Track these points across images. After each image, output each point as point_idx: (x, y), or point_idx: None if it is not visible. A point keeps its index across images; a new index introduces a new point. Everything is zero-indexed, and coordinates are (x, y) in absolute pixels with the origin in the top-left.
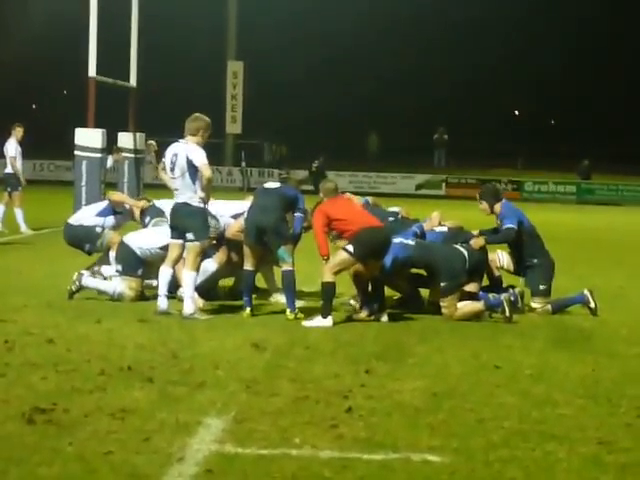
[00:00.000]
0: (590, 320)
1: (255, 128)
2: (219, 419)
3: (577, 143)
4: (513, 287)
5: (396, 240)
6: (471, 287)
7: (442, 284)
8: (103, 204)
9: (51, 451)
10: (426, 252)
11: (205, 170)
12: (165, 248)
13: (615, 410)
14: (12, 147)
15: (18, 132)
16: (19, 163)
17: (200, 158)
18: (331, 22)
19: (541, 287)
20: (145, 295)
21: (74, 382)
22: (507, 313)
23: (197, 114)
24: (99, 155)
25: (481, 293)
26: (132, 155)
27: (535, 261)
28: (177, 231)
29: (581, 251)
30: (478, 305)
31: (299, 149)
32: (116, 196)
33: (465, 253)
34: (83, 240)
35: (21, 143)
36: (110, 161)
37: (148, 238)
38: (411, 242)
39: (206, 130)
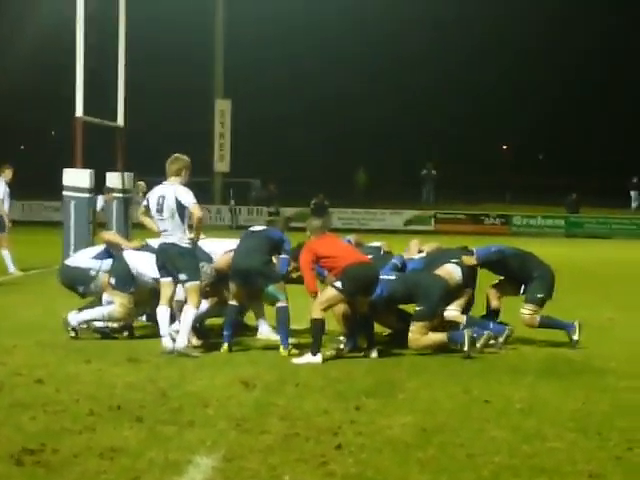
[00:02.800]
0: (580, 353)
1: (243, 166)
2: (209, 457)
3: (565, 177)
4: (506, 325)
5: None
6: (456, 313)
7: (417, 308)
8: (100, 247)
9: None
10: (407, 284)
11: (196, 210)
12: (157, 280)
13: (605, 443)
14: (0, 188)
15: (7, 174)
16: (6, 205)
17: (189, 199)
18: (319, 60)
19: (538, 295)
20: (132, 331)
21: (63, 422)
22: (465, 348)
23: (176, 155)
24: (87, 195)
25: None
26: (120, 195)
27: (534, 274)
28: (165, 270)
29: (570, 284)
30: (440, 336)
31: (288, 186)
32: (109, 236)
33: (454, 271)
34: (77, 282)
35: (10, 184)
36: (100, 201)
37: (146, 264)
38: (392, 277)
39: (187, 169)
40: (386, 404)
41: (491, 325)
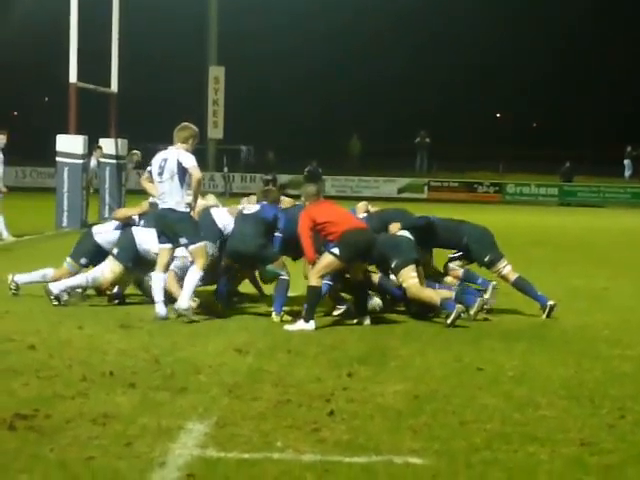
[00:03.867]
0: (572, 321)
1: (238, 133)
2: (201, 424)
3: (559, 145)
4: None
5: None
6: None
7: (393, 264)
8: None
9: (32, 457)
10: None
11: (195, 172)
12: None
13: (597, 411)
14: None
15: (1, 139)
16: (0, 170)
17: (191, 161)
18: (315, 26)
19: (485, 259)
20: (121, 297)
21: (56, 388)
22: (449, 320)
23: (185, 123)
24: (81, 161)
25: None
26: (114, 161)
27: (465, 240)
28: (165, 236)
29: (564, 253)
30: (435, 298)
31: (283, 153)
32: (120, 213)
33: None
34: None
35: (3, 150)
36: (93, 160)
37: (150, 239)
38: None
39: (195, 138)
40: (378, 371)
41: (480, 280)
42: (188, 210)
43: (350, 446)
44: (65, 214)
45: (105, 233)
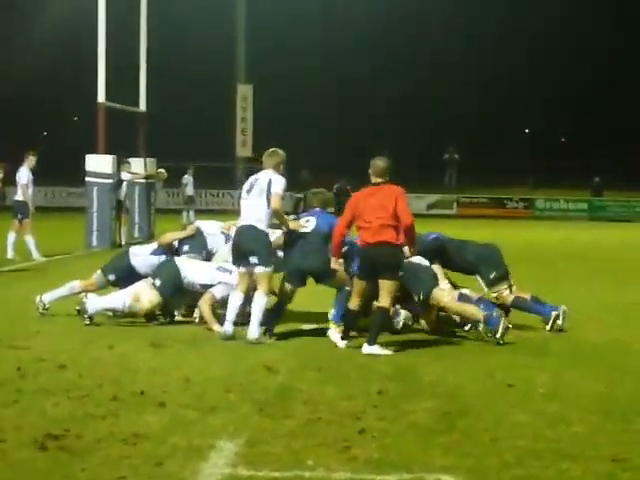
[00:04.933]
0: (603, 336)
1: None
2: (231, 442)
3: (588, 160)
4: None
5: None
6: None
7: (418, 297)
8: (153, 246)
9: (63, 477)
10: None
11: (276, 200)
12: (205, 287)
13: (629, 427)
14: (24, 175)
15: (31, 160)
16: (30, 191)
17: (278, 187)
18: (343, 42)
19: (491, 276)
20: (155, 317)
21: (87, 408)
22: (499, 335)
23: (274, 149)
24: (110, 181)
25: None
26: (143, 180)
27: (470, 258)
28: (240, 256)
29: (594, 268)
30: (477, 314)
31: (314, 171)
32: (165, 239)
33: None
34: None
35: (33, 171)
36: (126, 176)
37: (196, 271)
38: None
39: (284, 163)
40: (409, 389)
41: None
42: (267, 231)
43: (381, 464)
44: (95, 234)
45: (142, 257)
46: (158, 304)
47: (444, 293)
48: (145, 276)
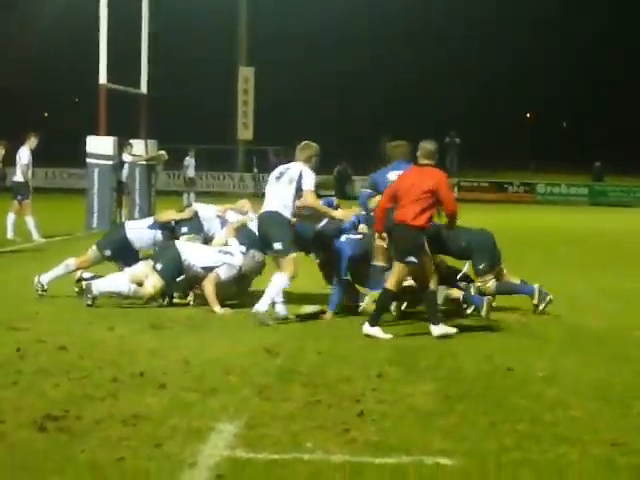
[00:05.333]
0: (603, 322)
1: (268, 134)
2: (231, 424)
3: (589, 145)
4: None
5: (343, 239)
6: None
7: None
8: (149, 221)
9: (63, 458)
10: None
11: (310, 196)
12: (207, 269)
13: (628, 412)
14: (25, 155)
15: (32, 141)
16: (30, 172)
17: (310, 183)
18: (345, 28)
19: (480, 267)
20: (154, 299)
21: (86, 389)
22: (483, 312)
23: (306, 142)
24: (111, 162)
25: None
26: (144, 162)
27: (463, 244)
28: (265, 243)
29: (594, 253)
30: (457, 292)
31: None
32: (164, 216)
33: None
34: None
35: (33, 152)
36: (127, 157)
37: (197, 253)
38: (358, 235)
39: (316, 156)
40: (408, 372)
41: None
42: (290, 218)
43: (380, 447)
44: (95, 215)
45: (138, 230)
46: (161, 288)
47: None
48: (139, 251)
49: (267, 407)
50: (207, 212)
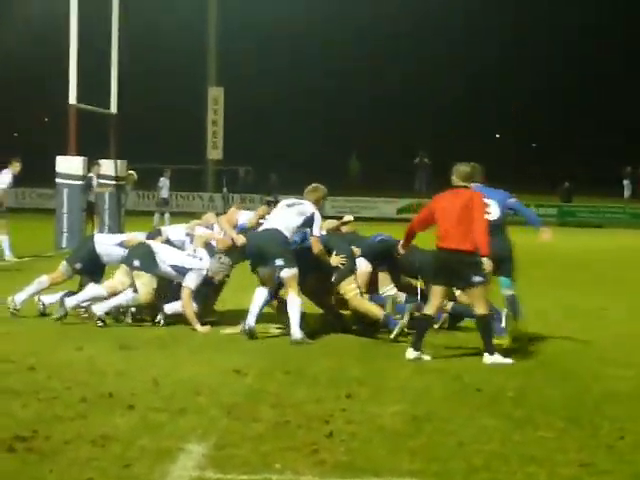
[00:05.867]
0: (572, 342)
1: (237, 154)
2: (200, 445)
3: (558, 165)
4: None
5: None
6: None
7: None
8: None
9: (32, 479)
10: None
11: (316, 244)
12: (176, 268)
13: (596, 432)
14: (7, 179)
15: (16, 166)
16: (6, 195)
17: (318, 231)
18: (314, 45)
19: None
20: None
21: (55, 409)
22: (392, 336)
23: (315, 185)
24: (80, 182)
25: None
26: (113, 182)
27: (416, 263)
28: (262, 260)
29: (563, 273)
30: (378, 312)
31: (283, 174)
32: (132, 242)
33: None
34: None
35: (16, 177)
36: (95, 179)
37: (168, 252)
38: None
39: (324, 198)
40: (377, 392)
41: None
42: (289, 240)
43: (349, 468)
44: (65, 235)
45: (106, 245)
46: (150, 282)
47: (351, 288)
48: (105, 266)
49: (236, 427)
50: (176, 234)
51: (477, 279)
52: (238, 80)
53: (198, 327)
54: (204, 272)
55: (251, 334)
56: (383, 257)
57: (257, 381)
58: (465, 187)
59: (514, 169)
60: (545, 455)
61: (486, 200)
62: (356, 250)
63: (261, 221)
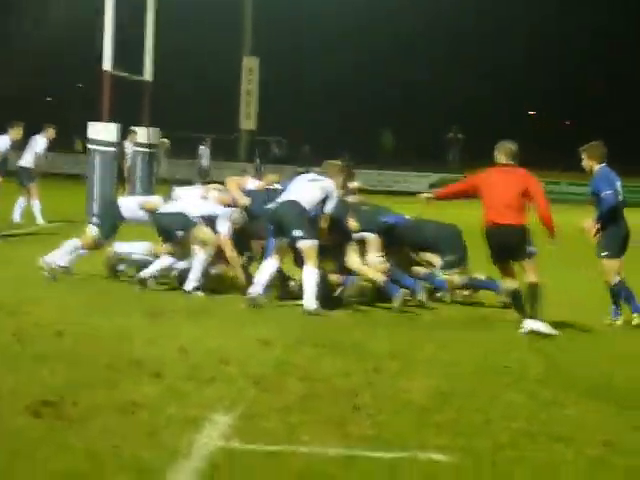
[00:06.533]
0: (600, 323)
1: (270, 125)
2: (226, 415)
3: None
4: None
5: None
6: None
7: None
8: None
9: (58, 445)
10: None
11: (324, 220)
12: (204, 218)
13: (622, 412)
14: (42, 144)
15: (51, 132)
16: (41, 160)
17: (330, 208)
18: (348, 19)
19: (447, 259)
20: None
21: (83, 376)
22: (395, 304)
23: (330, 161)
24: (113, 149)
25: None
26: (146, 149)
27: (430, 240)
28: (281, 229)
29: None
30: (378, 278)
31: (316, 146)
32: (151, 204)
33: None
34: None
35: (50, 143)
36: (129, 147)
37: (193, 203)
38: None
39: (341, 173)
40: (405, 366)
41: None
42: (309, 213)
43: (375, 441)
44: (95, 201)
45: (132, 209)
46: (210, 233)
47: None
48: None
49: (263, 399)
50: (190, 196)
51: (532, 249)
52: (275, 51)
53: (239, 273)
54: (229, 219)
55: (256, 304)
56: (386, 237)
57: (285, 353)
58: (512, 165)
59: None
60: (571, 434)
61: (617, 181)
62: (354, 224)
63: (268, 187)
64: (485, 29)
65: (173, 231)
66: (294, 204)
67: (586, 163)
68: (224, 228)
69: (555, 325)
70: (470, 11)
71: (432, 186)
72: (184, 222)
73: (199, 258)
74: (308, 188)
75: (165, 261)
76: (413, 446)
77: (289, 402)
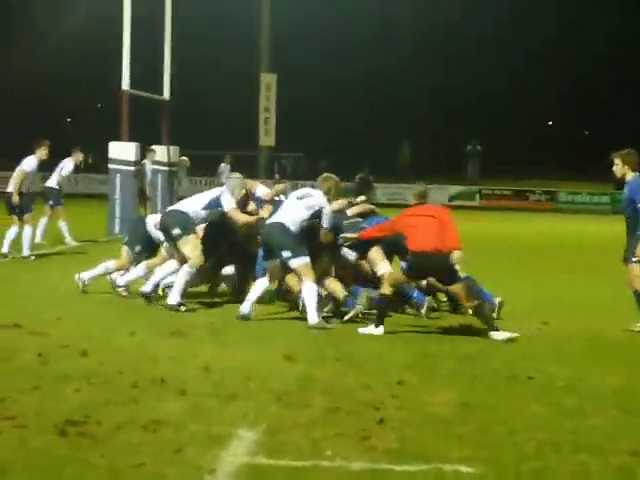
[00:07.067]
0: (622, 332)
1: (289, 141)
2: (251, 431)
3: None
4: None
5: None
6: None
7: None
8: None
9: (83, 463)
10: None
11: (325, 234)
12: (209, 207)
13: None
14: (70, 167)
15: (78, 156)
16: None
17: (328, 222)
18: (363, 32)
19: None
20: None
21: (107, 394)
22: (345, 317)
23: (326, 174)
24: (133, 168)
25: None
26: (166, 168)
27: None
28: (271, 252)
29: (614, 261)
30: (339, 294)
31: (334, 160)
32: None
33: None
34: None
35: (77, 165)
36: (149, 165)
37: (193, 201)
38: None
39: (335, 188)
40: (428, 379)
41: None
42: (294, 231)
43: (399, 454)
44: (117, 221)
45: (153, 227)
46: (199, 247)
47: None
48: (159, 243)
49: (287, 414)
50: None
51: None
52: (292, 67)
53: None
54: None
55: (244, 320)
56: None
57: (307, 368)
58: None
59: (567, 156)
60: (597, 444)
61: None
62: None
63: (276, 198)
64: (501, 39)
65: (171, 229)
66: (278, 226)
67: (619, 169)
68: (228, 204)
69: (580, 333)
70: (486, 21)
71: (451, 198)
72: (184, 221)
73: (183, 272)
74: (294, 208)
75: (168, 267)
76: (437, 458)
77: (313, 417)
